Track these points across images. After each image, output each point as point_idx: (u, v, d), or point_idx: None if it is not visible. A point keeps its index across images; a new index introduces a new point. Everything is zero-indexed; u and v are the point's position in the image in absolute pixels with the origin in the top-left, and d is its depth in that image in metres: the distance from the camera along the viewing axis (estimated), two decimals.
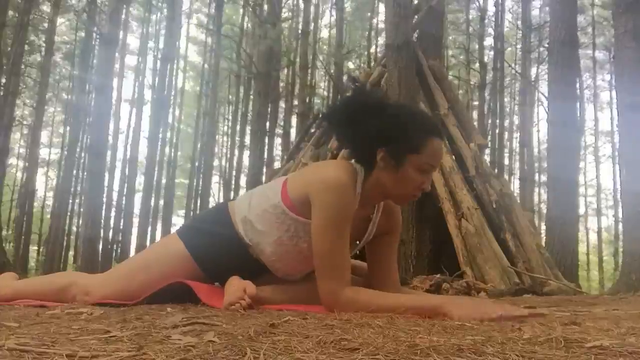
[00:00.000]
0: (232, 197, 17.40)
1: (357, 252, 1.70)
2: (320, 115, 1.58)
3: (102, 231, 12.13)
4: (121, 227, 15.83)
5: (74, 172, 17.82)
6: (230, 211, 1.62)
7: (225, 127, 22.61)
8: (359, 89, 1.65)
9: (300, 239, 1.53)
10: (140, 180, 18.46)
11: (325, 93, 18.81)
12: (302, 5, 14.26)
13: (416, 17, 5.76)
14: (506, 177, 17.49)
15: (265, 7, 11.53)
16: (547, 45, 10.10)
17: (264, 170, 10.83)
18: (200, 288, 1.52)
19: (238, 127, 18.32)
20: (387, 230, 1.66)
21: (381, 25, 18.21)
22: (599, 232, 20.28)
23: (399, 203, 1.63)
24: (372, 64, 10.05)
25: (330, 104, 1.82)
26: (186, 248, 1.59)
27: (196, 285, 1.52)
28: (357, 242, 1.67)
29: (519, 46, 18.06)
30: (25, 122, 20.57)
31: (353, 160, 1.56)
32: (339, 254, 1.42)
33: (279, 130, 15.65)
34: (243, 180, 17.50)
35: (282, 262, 1.58)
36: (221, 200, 20.04)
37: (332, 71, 14.73)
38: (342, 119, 1.55)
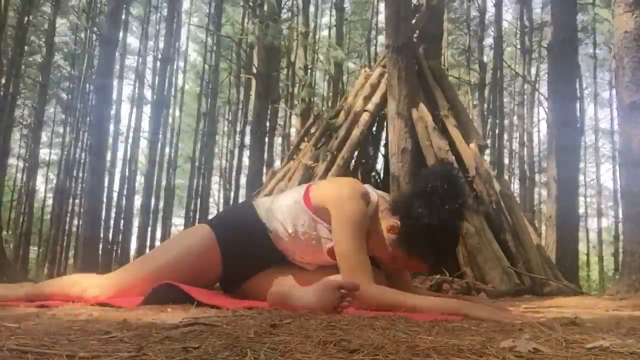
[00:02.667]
0: (232, 197, 17.42)
1: None
2: (394, 204, 1.66)
3: (102, 231, 12.12)
4: (121, 227, 15.83)
5: (74, 172, 17.82)
6: (255, 204, 1.86)
7: (225, 127, 22.62)
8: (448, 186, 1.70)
9: (312, 234, 1.73)
10: (140, 181, 18.47)
11: (325, 93, 18.82)
12: (301, 5, 14.26)
13: (416, 17, 5.76)
14: (506, 177, 17.50)
15: (265, 7, 11.52)
16: (547, 45, 10.10)
17: (264, 170, 10.83)
18: (192, 290, 1.55)
19: (238, 127, 18.33)
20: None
21: (381, 25, 18.22)
22: (599, 232, 20.27)
23: (385, 268, 1.80)
24: (372, 64, 10.05)
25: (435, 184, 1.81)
26: (214, 234, 1.76)
27: (187, 288, 1.57)
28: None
29: (518, 46, 18.04)
30: (25, 123, 20.57)
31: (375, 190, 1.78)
32: (358, 254, 1.59)
33: (279, 131, 15.65)
34: (243, 180, 17.48)
35: (296, 251, 1.78)
36: (221, 201, 20.09)
37: (332, 71, 14.73)
38: (420, 187, 1.67)
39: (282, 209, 1.77)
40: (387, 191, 5.37)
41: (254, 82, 12.39)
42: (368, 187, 1.77)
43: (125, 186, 17.32)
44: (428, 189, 1.64)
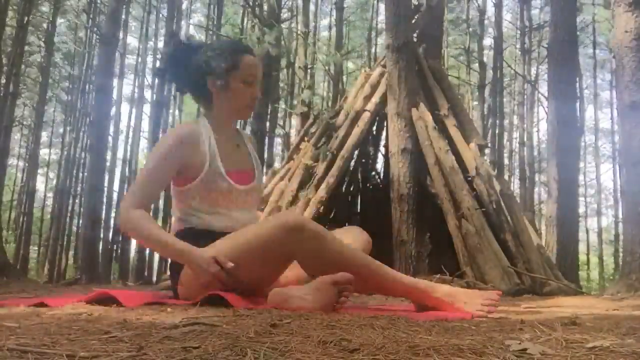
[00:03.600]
0: None
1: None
2: (156, 75, 1.87)
3: (102, 231, 12.12)
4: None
5: (74, 172, 17.81)
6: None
7: None
8: (174, 42, 1.87)
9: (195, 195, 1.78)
10: None
11: (325, 93, 18.81)
12: (301, 6, 14.26)
13: (416, 17, 5.76)
14: (506, 177, 17.49)
15: (265, 7, 11.52)
16: (546, 45, 10.10)
17: (264, 170, 10.83)
18: (232, 297, 1.52)
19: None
20: None
21: (381, 26, 18.22)
22: (599, 232, 20.27)
23: (245, 116, 1.90)
24: (372, 64, 10.05)
25: (159, 65, 2.00)
26: None
27: (229, 296, 1.52)
28: (253, 169, 1.88)
29: (518, 46, 18.04)
30: (25, 123, 20.57)
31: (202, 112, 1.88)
32: (147, 179, 1.68)
33: (279, 131, 15.64)
34: None
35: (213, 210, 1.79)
36: None
37: (331, 71, 14.72)
38: (172, 69, 1.83)
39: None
40: (387, 191, 5.36)
41: None
42: (200, 119, 1.83)
43: (125, 186, 17.32)
44: (169, 57, 1.84)
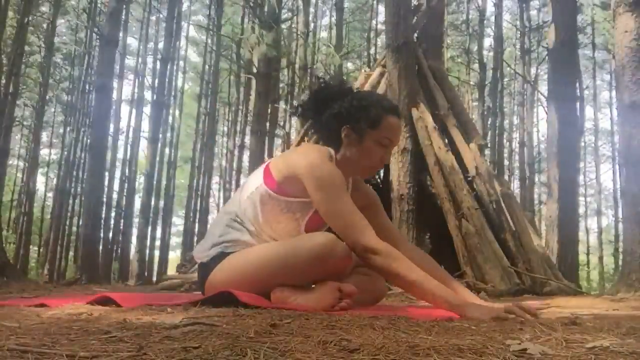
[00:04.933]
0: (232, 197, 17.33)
1: None
2: (294, 109, 1.77)
3: (102, 231, 12.11)
4: (121, 227, 15.82)
5: (74, 172, 17.80)
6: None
7: (225, 128, 22.61)
8: (322, 81, 1.81)
9: (282, 214, 1.68)
10: (140, 181, 18.46)
11: None
12: (301, 6, 14.26)
13: (416, 17, 5.76)
14: (506, 177, 17.49)
15: (266, 7, 11.52)
16: (546, 46, 10.10)
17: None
18: (242, 295, 1.52)
19: (238, 128, 18.31)
20: (365, 205, 1.78)
21: (381, 26, 18.22)
22: (599, 232, 20.26)
23: (365, 175, 1.83)
24: (372, 64, 10.06)
25: (302, 99, 2.02)
26: None
27: (239, 294, 1.52)
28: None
29: (518, 46, 18.04)
30: (25, 123, 20.56)
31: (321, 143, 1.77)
32: (349, 212, 1.54)
33: (279, 131, 15.64)
34: (243, 181, 17.48)
35: (278, 235, 1.71)
36: (221, 201, 20.08)
37: (331, 72, 14.73)
38: (312, 107, 1.77)
39: (243, 204, 1.71)
40: (387, 192, 5.36)
41: (254, 82, 12.39)
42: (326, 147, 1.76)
43: (125, 186, 17.31)
44: (313, 95, 1.77)
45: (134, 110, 18.79)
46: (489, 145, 14.27)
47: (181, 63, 20.99)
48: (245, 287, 1.58)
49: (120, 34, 12.59)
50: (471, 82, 18.20)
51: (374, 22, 18.92)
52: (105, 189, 12.22)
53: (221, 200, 20.60)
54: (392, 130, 1.71)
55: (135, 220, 16.34)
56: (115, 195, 16.73)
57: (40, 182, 21.50)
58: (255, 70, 11.38)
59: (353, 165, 1.72)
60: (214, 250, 1.69)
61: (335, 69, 13.70)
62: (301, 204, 1.66)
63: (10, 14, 10.86)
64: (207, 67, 19.83)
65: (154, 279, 13.92)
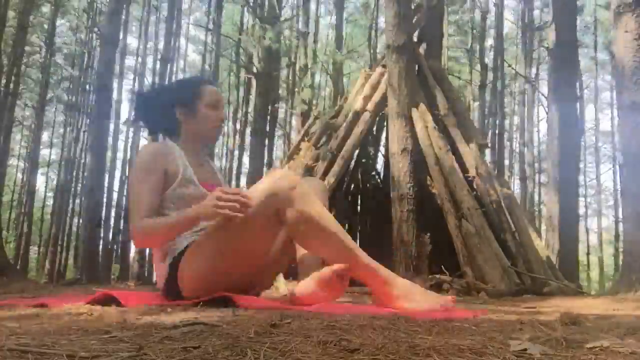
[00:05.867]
0: None
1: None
2: (131, 122, 2.02)
3: (102, 231, 12.11)
4: (121, 227, 15.82)
5: (74, 172, 17.81)
6: None
7: (225, 128, 22.61)
8: (143, 92, 2.14)
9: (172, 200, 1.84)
10: None
11: (325, 93, 18.81)
12: (302, 5, 14.26)
13: (416, 17, 5.76)
14: (506, 177, 17.48)
15: (266, 7, 11.52)
16: (547, 46, 10.10)
17: (264, 170, 10.82)
18: (239, 297, 1.56)
19: (238, 128, 18.31)
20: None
21: (381, 26, 18.20)
22: (599, 233, 20.26)
23: (213, 135, 2.01)
24: (372, 64, 10.06)
25: (133, 114, 2.23)
26: None
27: (237, 297, 1.55)
28: (220, 183, 1.98)
29: (519, 46, 18.03)
30: (25, 123, 20.58)
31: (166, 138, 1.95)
32: (138, 195, 1.74)
33: (279, 131, 15.64)
34: (243, 181, 17.47)
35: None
36: None
37: (332, 71, 14.72)
38: (147, 113, 1.99)
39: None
40: (387, 192, 5.35)
41: (254, 82, 12.39)
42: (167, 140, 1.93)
43: (125, 186, 17.32)
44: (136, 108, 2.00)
45: (134, 111, 18.76)
46: (489, 145, 14.24)
47: (181, 63, 21.01)
48: (218, 278, 1.64)
49: (120, 34, 12.59)
50: (473, 82, 18.20)
51: (374, 21, 18.90)
52: (105, 189, 12.22)
53: None
54: (213, 93, 1.97)
55: None
56: (115, 195, 16.74)
57: (40, 182, 21.54)
58: (255, 70, 11.38)
59: (198, 134, 1.95)
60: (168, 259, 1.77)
61: (335, 68, 13.70)
62: (181, 179, 1.81)
63: (11, 14, 10.86)
64: (207, 66, 19.84)
65: (154, 279, 13.91)
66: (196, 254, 1.66)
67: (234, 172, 18.08)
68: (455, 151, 5.00)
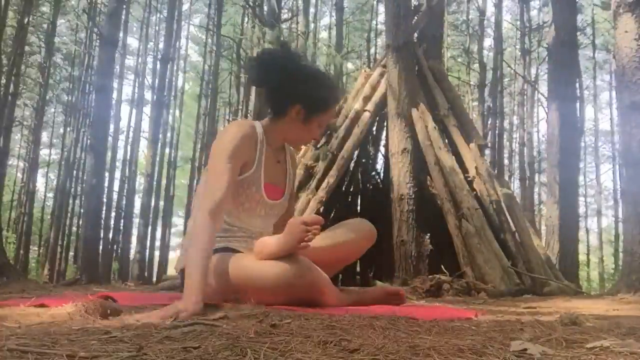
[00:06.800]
0: None
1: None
2: (248, 66, 1.88)
3: (102, 232, 12.10)
4: (121, 227, 15.82)
5: (74, 172, 17.81)
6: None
7: None
8: (267, 51, 1.86)
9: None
10: (140, 181, 18.47)
11: None
12: (302, 6, 14.26)
13: (416, 17, 5.76)
14: (506, 177, 17.48)
15: (265, 7, 11.52)
16: (546, 46, 10.10)
17: None
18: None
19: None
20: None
21: (380, 26, 18.22)
22: (599, 232, 20.26)
23: (296, 147, 2.01)
24: (372, 64, 10.06)
25: (255, 63, 1.92)
26: None
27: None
28: (285, 187, 1.90)
29: (518, 46, 18.03)
30: (25, 123, 20.57)
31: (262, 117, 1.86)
32: (218, 175, 1.61)
33: None
34: None
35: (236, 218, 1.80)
36: None
37: (331, 72, 14.72)
38: (257, 76, 1.80)
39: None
40: (387, 192, 5.35)
41: None
42: (254, 122, 1.82)
43: (125, 186, 17.31)
44: (271, 68, 1.75)
45: (134, 110, 18.80)
46: (489, 146, 14.27)
47: (181, 63, 21.01)
48: (219, 290, 1.63)
49: (120, 34, 12.59)
50: (471, 82, 18.20)
51: (374, 22, 18.92)
52: (105, 189, 12.22)
53: None
54: (331, 115, 1.88)
55: (135, 220, 16.35)
56: (115, 196, 16.73)
57: (40, 182, 21.54)
58: None
59: (292, 138, 1.86)
60: None
61: (335, 68, 13.70)
62: (248, 177, 1.73)
63: (11, 14, 10.86)
64: (207, 67, 19.83)
65: (154, 279, 13.91)
66: (228, 267, 1.62)
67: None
68: (455, 151, 5.00)
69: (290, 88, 1.75)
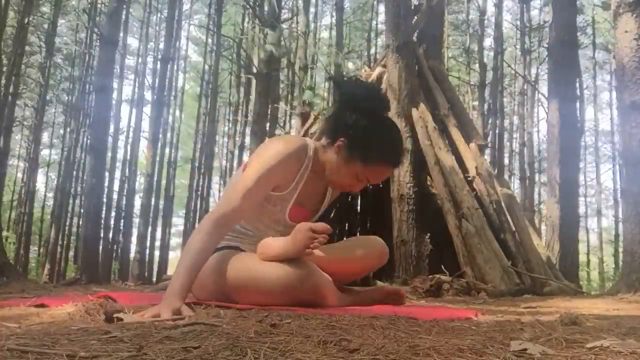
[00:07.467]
0: None
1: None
2: (335, 82, 1.69)
3: (102, 231, 12.10)
4: (121, 227, 15.82)
5: (74, 172, 17.81)
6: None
7: (226, 128, 22.61)
8: (369, 89, 1.73)
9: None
10: (140, 181, 18.47)
11: (326, 94, 18.78)
12: (302, 6, 14.25)
13: (416, 17, 5.76)
14: (506, 177, 17.47)
15: (266, 7, 11.51)
16: (546, 46, 10.10)
17: None
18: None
19: (238, 128, 18.31)
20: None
21: (380, 26, 18.22)
22: (599, 232, 20.26)
23: (332, 185, 1.80)
24: (372, 64, 10.05)
25: (348, 81, 1.85)
26: None
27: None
28: (312, 213, 1.84)
29: (518, 46, 18.03)
30: (25, 123, 20.57)
31: (316, 137, 1.72)
32: (247, 182, 1.56)
33: (279, 131, 15.63)
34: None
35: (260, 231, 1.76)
36: None
37: (331, 72, 14.72)
38: (343, 98, 1.69)
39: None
40: (387, 192, 5.34)
41: (254, 82, 12.38)
42: (308, 140, 1.73)
43: (125, 186, 17.31)
44: (345, 99, 1.66)
45: (134, 110, 18.80)
46: (489, 145, 14.27)
47: (181, 63, 21.01)
48: (216, 287, 1.62)
49: (120, 34, 12.59)
50: (471, 82, 18.20)
51: (374, 22, 18.92)
52: (105, 189, 12.22)
53: None
54: (378, 176, 1.71)
55: (135, 220, 16.35)
56: (115, 196, 16.73)
57: (40, 182, 21.54)
58: (255, 70, 11.38)
59: (330, 173, 1.71)
60: None
61: (336, 68, 13.69)
62: (276, 196, 1.69)
63: (11, 14, 10.86)
64: (207, 67, 19.83)
65: (154, 279, 13.91)
66: (230, 264, 1.61)
67: (234, 172, 18.06)
68: (455, 151, 5.00)
69: (347, 117, 1.64)
